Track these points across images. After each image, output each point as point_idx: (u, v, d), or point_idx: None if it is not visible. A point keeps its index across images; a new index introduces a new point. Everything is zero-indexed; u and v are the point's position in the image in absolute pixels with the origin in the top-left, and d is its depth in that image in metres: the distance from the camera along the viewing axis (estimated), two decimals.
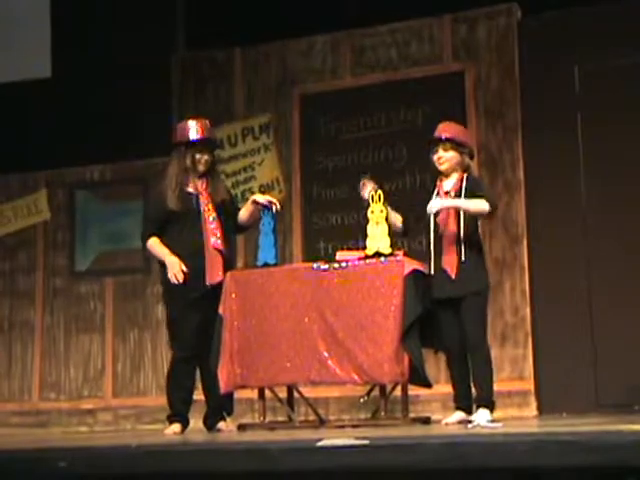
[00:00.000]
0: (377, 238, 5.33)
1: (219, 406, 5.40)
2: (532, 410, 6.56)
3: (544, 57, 6.91)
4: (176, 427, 5.28)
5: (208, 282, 5.27)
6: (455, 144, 5.17)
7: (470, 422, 4.74)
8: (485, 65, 7.09)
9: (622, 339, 6.50)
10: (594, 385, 6.53)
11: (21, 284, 8.13)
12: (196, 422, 5.53)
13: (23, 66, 8.02)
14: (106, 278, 7.89)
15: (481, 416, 4.85)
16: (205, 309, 5.30)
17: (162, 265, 5.36)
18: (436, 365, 6.30)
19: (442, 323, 5.14)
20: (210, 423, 5.38)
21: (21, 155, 8.02)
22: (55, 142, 7.88)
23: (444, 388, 5.63)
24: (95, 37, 7.76)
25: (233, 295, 5.39)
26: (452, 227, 5.07)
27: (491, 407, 4.98)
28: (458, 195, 5.11)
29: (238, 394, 5.66)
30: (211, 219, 5.34)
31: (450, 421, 5.10)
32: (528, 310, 6.73)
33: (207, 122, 5.54)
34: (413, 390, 5.60)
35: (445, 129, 5.27)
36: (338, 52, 7.50)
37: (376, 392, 5.43)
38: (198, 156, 5.39)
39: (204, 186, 5.40)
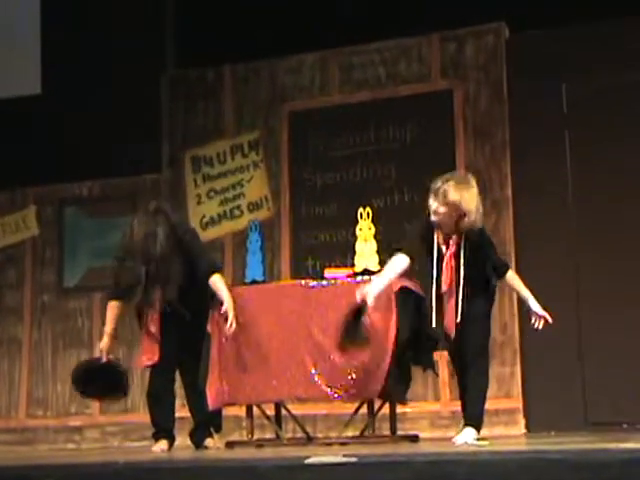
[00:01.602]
0: (366, 255, 5.35)
1: (206, 423, 5.39)
2: (520, 428, 6.56)
3: (532, 76, 6.94)
4: (163, 444, 5.26)
5: (138, 365, 5.43)
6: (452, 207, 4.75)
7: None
8: (473, 84, 7.13)
9: (610, 357, 6.52)
10: (582, 403, 6.54)
11: (9, 300, 8.10)
12: (184, 439, 5.51)
13: (13, 83, 8.02)
14: (95, 294, 7.86)
15: (466, 435, 4.75)
16: (181, 327, 5.27)
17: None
18: (423, 383, 6.30)
19: (450, 342, 4.92)
20: (197, 440, 5.37)
21: (10, 171, 8.01)
22: (44, 158, 7.88)
23: (432, 406, 5.65)
24: (85, 54, 7.77)
25: (221, 312, 5.38)
26: (453, 285, 4.81)
27: (478, 427, 4.87)
28: (458, 252, 4.79)
29: (226, 411, 5.65)
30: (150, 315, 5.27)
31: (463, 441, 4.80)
32: (516, 328, 6.74)
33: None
34: (401, 408, 5.60)
35: (445, 184, 4.78)
36: (327, 70, 7.53)
37: (364, 410, 5.43)
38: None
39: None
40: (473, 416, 4.86)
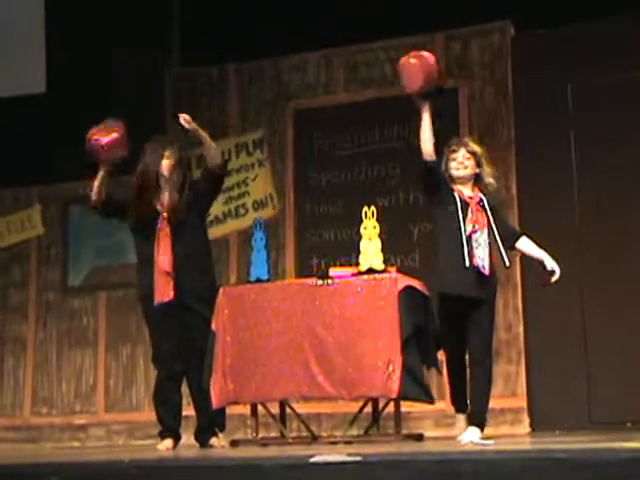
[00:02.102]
0: (370, 254, 5.34)
1: (210, 422, 5.39)
2: (525, 427, 6.56)
3: (537, 74, 6.93)
4: (168, 442, 5.27)
5: (156, 302, 5.22)
6: (477, 156, 5.00)
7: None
8: (478, 82, 7.12)
9: (615, 356, 6.51)
10: (587, 402, 6.53)
11: (14, 299, 8.11)
12: (188, 437, 5.52)
13: (17, 82, 8.03)
14: (99, 293, 7.88)
15: (471, 434, 4.75)
16: (184, 326, 5.27)
17: (139, 282, 5.37)
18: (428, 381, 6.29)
19: (452, 329, 4.97)
20: (202, 439, 5.37)
21: (15, 170, 8.02)
22: (49, 157, 7.88)
23: (437, 405, 5.62)
24: (89, 53, 7.77)
25: (226, 310, 5.39)
26: (485, 229, 4.90)
27: (482, 426, 4.88)
28: (481, 203, 4.94)
29: (230, 410, 5.65)
30: (163, 237, 5.25)
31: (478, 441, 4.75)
32: (521, 327, 6.73)
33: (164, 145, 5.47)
34: (406, 407, 5.60)
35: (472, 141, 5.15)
36: (332, 68, 7.53)
37: (369, 408, 5.43)
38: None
39: (166, 202, 5.35)
40: (477, 415, 4.87)
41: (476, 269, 4.82)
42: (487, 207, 4.95)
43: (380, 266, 5.30)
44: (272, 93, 7.67)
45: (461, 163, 4.98)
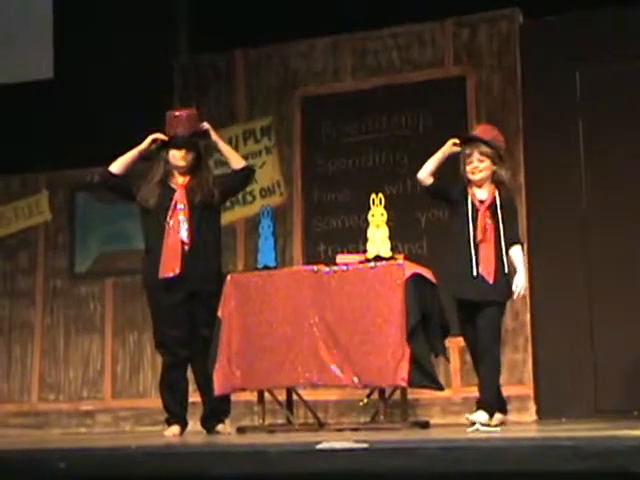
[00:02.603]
0: (378, 242, 5.34)
1: (216, 408, 5.40)
2: (531, 415, 6.56)
3: (545, 62, 6.91)
4: (175, 429, 5.28)
5: (160, 276, 5.19)
6: (492, 152, 4.96)
7: (473, 424, 4.72)
8: (486, 70, 7.10)
9: (622, 345, 6.50)
10: (593, 390, 6.53)
11: (21, 285, 8.13)
12: (195, 424, 5.53)
13: (25, 67, 8.03)
14: (106, 279, 7.89)
15: (479, 416, 4.77)
16: (190, 313, 5.27)
17: (145, 269, 5.35)
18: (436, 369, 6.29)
19: (467, 325, 5.04)
20: (208, 425, 5.39)
21: (22, 156, 8.02)
22: (56, 143, 7.88)
23: (444, 392, 5.63)
24: (97, 39, 7.76)
25: (232, 297, 5.40)
26: (490, 236, 4.94)
27: (491, 412, 4.89)
28: (492, 207, 4.96)
29: (237, 397, 5.67)
30: (181, 216, 5.25)
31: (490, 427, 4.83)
32: (528, 315, 6.72)
33: (189, 114, 5.47)
34: (412, 394, 5.61)
35: (486, 132, 5.08)
36: (339, 55, 7.51)
37: (376, 396, 5.44)
38: (176, 152, 5.36)
39: (185, 182, 5.36)
40: (486, 402, 4.87)
41: (481, 277, 4.89)
42: (499, 209, 4.95)
43: (388, 253, 5.30)
44: (279, 80, 7.65)
45: (476, 167, 4.96)
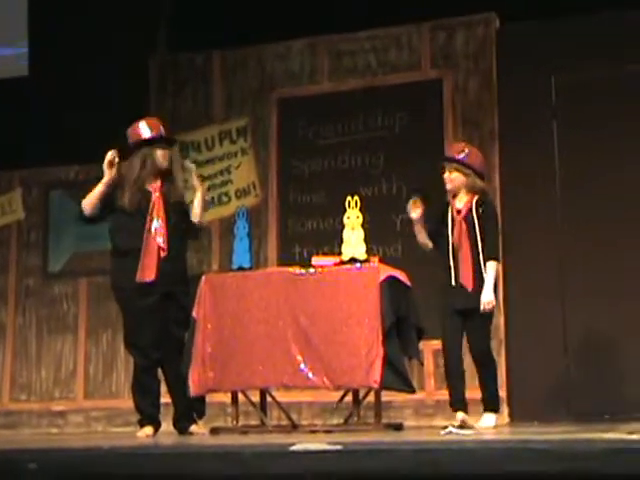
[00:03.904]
0: (353, 244, 5.34)
1: (188, 409, 5.38)
2: (504, 418, 6.57)
3: (521, 66, 6.95)
4: (148, 430, 5.25)
5: (138, 279, 5.19)
6: (461, 166, 5.28)
7: (445, 428, 4.73)
8: (463, 73, 7.13)
9: (594, 350, 6.55)
10: (566, 394, 6.56)
11: None
12: (169, 424, 5.50)
13: (0, 65, 7.97)
14: (80, 279, 7.84)
15: (488, 420, 5.16)
16: (164, 314, 5.26)
17: (114, 270, 5.34)
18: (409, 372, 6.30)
19: (448, 330, 5.24)
20: (181, 426, 5.36)
21: None
22: (30, 141, 7.83)
23: (417, 394, 5.64)
24: (73, 36, 7.71)
25: (207, 298, 5.38)
26: (465, 245, 5.21)
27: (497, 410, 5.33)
28: (469, 215, 5.23)
29: (210, 398, 5.64)
30: (156, 220, 5.27)
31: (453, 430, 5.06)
32: (502, 319, 6.75)
33: (159, 120, 5.55)
34: (386, 396, 5.61)
35: (453, 149, 5.45)
36: (316, 57, 7.51)
37: (349, 398, 5.44)
38: (160, 152, 5.37)
39: (159, 186, 5.36)
40: (491, 401, 5.29)
41: (461, 285, 5.19)
42: (475, 218, 5.21)
43: (363, 256, 5.31)
44: (256, 81, 7.64)
45: (446, 178, 5.31)
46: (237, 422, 5.48)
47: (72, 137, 7.70)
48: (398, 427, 5.44)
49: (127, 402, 6.43)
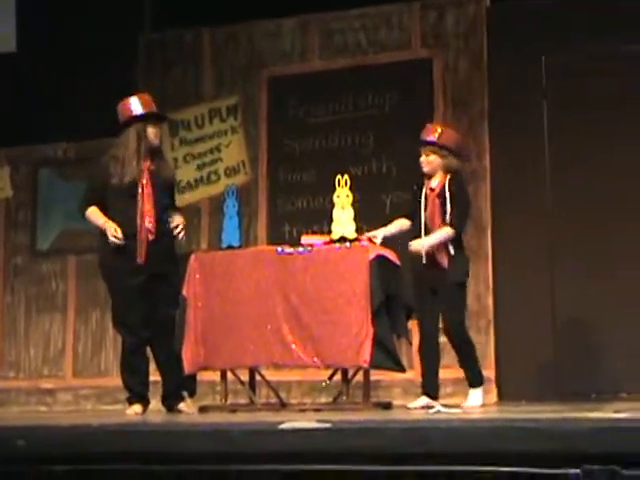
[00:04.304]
0: (342, 223, 5.34)
1: (177, 387, 5.37)
2: (492, 397, 6.60)
3: (512, 46, 6.93)
4: (137, 407, 5.26)
5: (139, 261, 5.18)
6: (437, 147, 5.31)
7: (431, 408, 4.77)
8: (453, 53, 7.10)
9: (583, 329, 6.58)
10: (554, 373, 6.59)
11: None
12: (158, 402, 5.51)
13: None
14: (68, 257, 7.82)
15: (475, 397, 5.21)
16: (152, 293, 5.24)
17: (103, 249, 5.31)
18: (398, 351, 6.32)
19: (422, 311, 5.28)
20: (169, 404, 5.37)
21: None
22: (19, 119, 7.79)
23: (406, 374, 5.66)
24: (62, 14, 7.66)
25: (197, 276, 5.37)
26: (438, 222, 5.26)
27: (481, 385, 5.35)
28: (442, 194, 5.29)
29: (200, 376, 5.65)
30: (146, 202, 5.21)
31: (414, 406, 5.19)
32: (490, 298, 6.77)
33: (150, 96, 5.49)
34: (375, 375, 5.62)
35: (427, 132, 5.43)
36: (307, 35, 7.48)
37: (338, 376, 5.45)
38: (152, 129, 5.32)
39: (147, 165, 5.31)
40: (474, 378, 5.34)
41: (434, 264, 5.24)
42: (448, 196, 5.26)
43: (352, 235, 5.31)
44: (246, 59, 7.60)
45: (423, 162, 5.38)
46: (226, 400, 5.49)
47: (60, 115, 7.66)
48: (387, 406, 5.46)
49: (116, 380, 6.43)
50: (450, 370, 5.87)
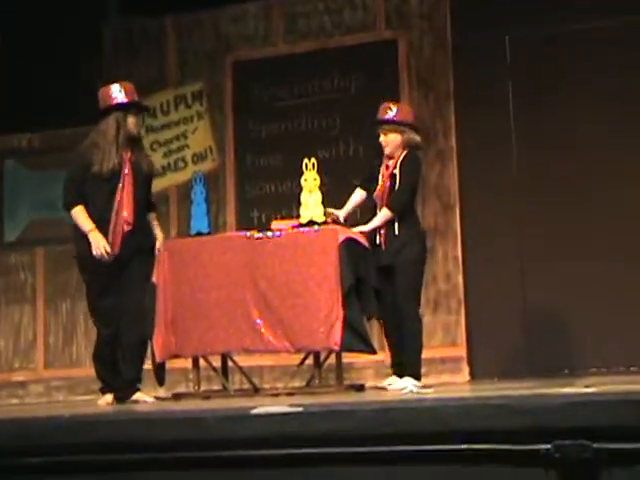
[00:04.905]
0: (311, 207, 5.34)
1: (133, 380, 5.22)
2: (465, 376, 6.65)
3: (476, 26, 6.94)
4: (109, 397, 5.22)
5: (113, 252, 5.08)
6: (395, 125, 5.23)
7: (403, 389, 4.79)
8: (417, 33, 7.11)
9: (553, 306, 6.63)
10: (526, 350, 6.65)
11: None
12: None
13: None
14: (36, 248, 7.76)
15: (406, 382, 4.95)
16: (124, 282, 5.18)
17: (78, 239, 5.24)
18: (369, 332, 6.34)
19: (381, 292, 5.20)
20: (122, 395, 5.12)
21: None
22: None
23: (377, 355, 5.68)
24: (25, 3, 7.57)
25: (166, 264, 5.35)
26: (383, 202, 5.19)
27: (417, 377, 5.07)
28: (393, 172, 5.20)
29: (172, 363, 5.63)
30: (125, 191, 5.12)
31: (386, 384, 5.16)
32: (460, 277, 6.80)
33: (132, 85, 5.37)
34: (347, 358, 5.64)
35: (382, 111, 5.32)
36: (271, 19, 7.45)
37: (310, 361, 5.46)
38: (132, 119, 5.25)
39: (128, 155, 5.26)
40: (410, 366, 5.11)
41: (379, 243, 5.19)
42: (398, 174, 5.18)
43: (321, 218, 5.31)
44: (211, 44, 7.57)
45: (384, 143, 5.27)
46: (199, 387, 5.49)
47: (25, 104, 7.59)
48: (360, 388, 5.48)
49: (88, 370, 6.39)
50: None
